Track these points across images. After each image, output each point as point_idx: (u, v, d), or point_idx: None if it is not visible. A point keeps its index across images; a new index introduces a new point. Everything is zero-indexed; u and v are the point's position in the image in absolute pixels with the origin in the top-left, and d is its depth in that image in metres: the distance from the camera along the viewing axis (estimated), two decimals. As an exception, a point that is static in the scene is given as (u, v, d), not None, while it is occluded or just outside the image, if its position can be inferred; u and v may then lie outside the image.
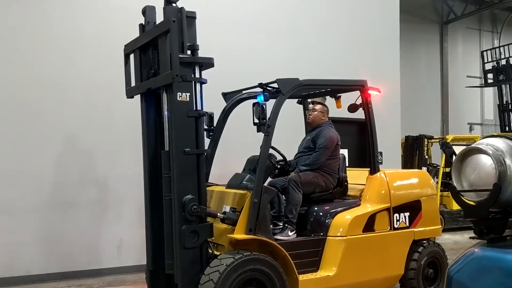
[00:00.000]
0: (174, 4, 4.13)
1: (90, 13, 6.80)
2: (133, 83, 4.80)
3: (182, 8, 4.13)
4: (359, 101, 5.29)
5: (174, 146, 4.09)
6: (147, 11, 4.59)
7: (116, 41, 6.58)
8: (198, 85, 4.21)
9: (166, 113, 4.31)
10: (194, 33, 4.24)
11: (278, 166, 5.39)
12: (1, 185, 6.14)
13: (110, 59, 6.64)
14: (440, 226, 5.73)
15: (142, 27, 4.65)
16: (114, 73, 6.67)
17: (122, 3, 6.83)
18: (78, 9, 6.76)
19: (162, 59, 4.22)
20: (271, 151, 4.82)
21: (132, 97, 4.83)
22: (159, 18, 4.38)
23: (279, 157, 5.40)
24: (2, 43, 6.32)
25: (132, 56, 4.79)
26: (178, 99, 4.07)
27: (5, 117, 6.25)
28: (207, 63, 4.25)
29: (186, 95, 4.10)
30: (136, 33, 4.69)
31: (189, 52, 4.16)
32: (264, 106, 4.34)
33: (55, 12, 6.62)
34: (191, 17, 4.22)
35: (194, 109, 4.17)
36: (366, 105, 5.22)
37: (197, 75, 4.19)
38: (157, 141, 4.59)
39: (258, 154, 4.50)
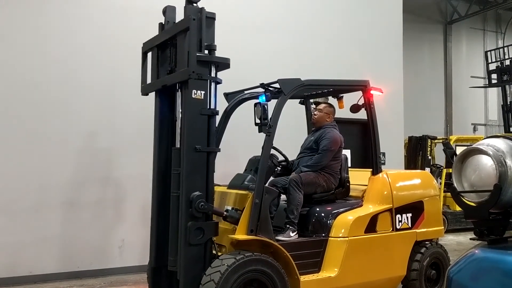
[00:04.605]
0: (194, 4, 4.22)
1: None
2: (148, 82, 4.87)
3: (202, 8, 4.21)
4: (361, 102, 5.28)
5: (186, 142, 4.12)
6: (168, 11, 4.69)
7: (126, 42, 6.67)
8: (213, 85, 4.27)
9: (179, 110, 4.35)
10: (213, 33, 4.30)
11: (280, 167, 5.39)
12: (3, 185, 6.15)
13: (114, 67, 6.72)
14: (443, 227, 5.71)
15: (161, 26, 4.75)
16: (121, 76, 6.75)
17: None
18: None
19: (180, 56, 4.31)
20: (272, 151, 4.82)
21: (147, 94, 4.90)
22: (179, 19, 4.47)
23: (280, 158, 5.40)
24: (9, 43, 6.34)
25: (149, 54, 4.87)
26: (193, 96, 4.13)
27: (7, 118, 6.25)
28: (224, 64, 4.31)
29: (201, 93, 4.16)
30: (153, 34, 4.78)
31: (206, 51, 4.22)
32: (266, 106, 4.34)
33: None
34: (211, 17, 4.28)
35: (208, 107, 4.21)
36: (368, 106, 5.21)
37: (213, 75, 4.25)
38: (169, 138, 4.63)
39: (260, 154, 4.50)
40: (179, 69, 4.32)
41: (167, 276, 4.49)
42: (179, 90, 4.37)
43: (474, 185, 2.82)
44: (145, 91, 4.90)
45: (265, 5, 8.08)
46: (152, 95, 4.82)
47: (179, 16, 4.48)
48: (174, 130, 4.51)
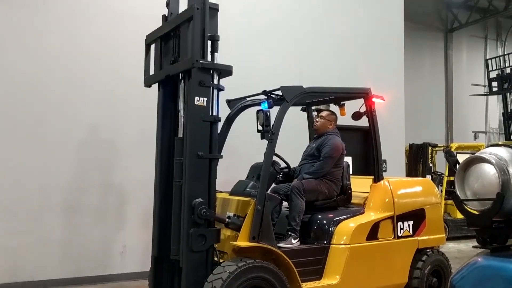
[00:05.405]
0: None
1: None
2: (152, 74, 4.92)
3: None
4: (363, 109, 5.30)
5: (188, 149, 4.14)
6: (171, 3, 4.76)
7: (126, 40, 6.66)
8: (215, 92, 4.30)
9: (182, 101, 4.39)
10: (216, 24, 4.35)
11: (282, 173, 5.40)
12: (5, 188, 6.15)
13: (116, 72, 6.74)
14: (444, 235, 5.71)
15: (164, 18, 4.81)
16: (122, 80, 6.76)
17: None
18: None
19: (183, 46, 4.36)
20: (274, 158, 4.83)
21: (150, 86, 4.91)
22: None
23: (282, 164, 5.41)
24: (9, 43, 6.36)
25: (152, 47, 4.92)
26: (196, 103, 4.15)
27: (7, 121, 6.23)
28: (226, 71, 4.34)
29: (204, 100, 4.19)
30: (155, 27, 4.84)
31: (209, 42, 4.27)
32: (268, 113, 4.36)
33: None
34: (214, 8, 4.34)
35: (210, 114, 4.24)
36: (370, 113, 5.23)
37: (216, 82, 4.28)
38: (171, 129, 4.67)
39: (262, 161, 4.51)
40: (182, 59, 4.36)
41: (169, 266, 4.50)
42: (182, 80, 4.41)
43: (476, 193, 2.83)
44: (148, 83, 4.92)
45: (267, 13, 8.11)
46: (154, 97, 4.82)
47: (182, 9, 4.52)
48: (176, 121, 4.55)
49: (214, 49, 4.33)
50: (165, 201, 4.54)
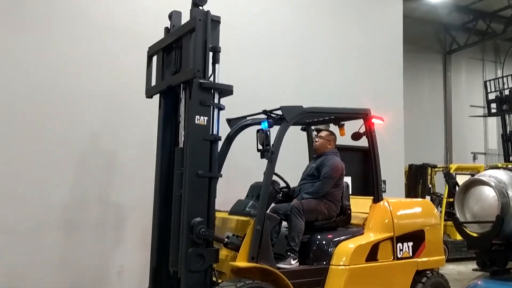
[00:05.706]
0: (200, 7, 4.35)
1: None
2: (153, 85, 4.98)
3: (208, 11, 4.33)
4: (362, 130, 5.32)
5: (188, 167, 4.15)
6: (173, 16, 4.84)
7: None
8: (216, 111, 4.34)
9: (183, 111, 4.44)
10: (218, 36, 4.41)
11: (281, 193, 5.39)
12: (3, 205, 6.11)
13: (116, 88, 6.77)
14: (444, 257, 5.68)
15: (167, 30, 4.90)
16: (121, 89, 6.76)
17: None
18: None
19: (185, 57, 4.43)
20: (274, 177, 4.83)
21: (151, 97, 4.96)
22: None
23: (282, 184, 5.41)
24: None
25: (154, 58, 4.99)
26: (196, 122, 4.18)
27: (5, 136, 6.22)
28: (227, 90, 4.38)
29: (204, 119, 4.22)
30: (158, 38, 4.91)
31: (211, 53, 4.32)
32: (268, 132, 4.39)
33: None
34: (216, 21, 4.40)
35: (211, 133, 4.27)
36: (369, 134, 5.25)
37: (216, 101, 4.32)
38: (172, 139, 4.71)
39: (262, 180, 4.51)
40: (184, 69, 4.43)
41: (168, 276, 4.48)
42: (183, 91, 4.46)
43: (476, 215, 2.83)
44: (149, 93, 4.97)
45: (268, 32, 8.18)
46: (155, 113, 4.86)
47: (184, 21, 4.59)
48: (177, 131, 4.60)
49: (216, 60, 4.39)
50: (165, 211, 4.55)
